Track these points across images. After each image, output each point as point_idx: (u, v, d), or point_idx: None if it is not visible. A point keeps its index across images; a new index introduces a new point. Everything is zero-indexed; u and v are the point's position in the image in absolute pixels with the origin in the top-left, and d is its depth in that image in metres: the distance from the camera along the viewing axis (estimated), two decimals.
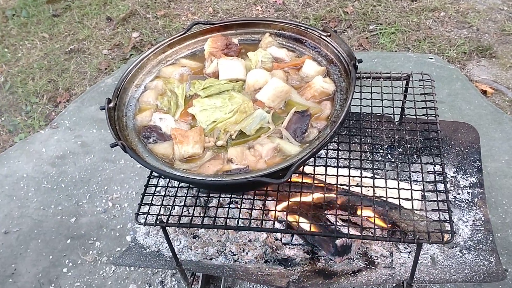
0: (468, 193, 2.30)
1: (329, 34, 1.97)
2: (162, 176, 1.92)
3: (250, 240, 2.25)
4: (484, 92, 3.80)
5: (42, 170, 3.33)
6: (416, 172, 1.81)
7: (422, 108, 2.06)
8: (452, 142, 2.35)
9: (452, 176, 2.34)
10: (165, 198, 2.19)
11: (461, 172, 2.38)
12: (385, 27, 4.42)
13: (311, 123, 1.74)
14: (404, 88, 2.23)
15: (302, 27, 2.11)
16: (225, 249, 2.23)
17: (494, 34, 4.25)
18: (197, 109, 1.80)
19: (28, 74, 4.22)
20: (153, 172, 1.83)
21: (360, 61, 1.86)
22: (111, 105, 1.81)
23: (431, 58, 4.08)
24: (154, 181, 1.97)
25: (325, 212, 1.91)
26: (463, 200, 2.28)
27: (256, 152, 1.69)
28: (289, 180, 1.59)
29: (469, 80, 3.85)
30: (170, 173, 1.67)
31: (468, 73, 3.97)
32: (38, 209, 3.06)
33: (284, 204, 2.00)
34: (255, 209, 1.99)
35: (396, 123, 2.13)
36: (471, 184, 2.31)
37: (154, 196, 1.89)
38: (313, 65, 1.94)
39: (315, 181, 1.93)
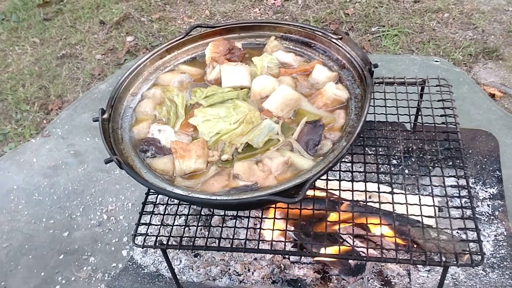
0: (488, 205, 2.15)
1: (340, 37, 1.86)
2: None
3: (255, 259, 2.09)
4: (493, 96, 3.67)
5: (33, 181, 3.20)
6: (439, 186, 1.66)
7: (441, 115, 1.90)
8: (470, 151, 2.20)
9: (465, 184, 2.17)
10: (165, 217, 2.03)
11: (480, 183, 2.24)
12: (388, 29, 4.29)
13: (324, 134, 1.63)
14: (419, 94, 2.07)
15: (310, 30, 1.99)
16: (229, 269, 2.07)
17: (500, 36, 4.13)
18: (199, 120, 1.70)
19: (18, 81, 4.11)
20: None
21: (376, 66, 1.73)
22: (105, 116, 1.70)
23: (436, 61, 3.94)
24: (152, 198, 1.81)
25: (341, 230, 1.75)
26: (483, 213, 2.14)
27: (265, 167, 1.57)
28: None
29: (476, 83, 3.72)
30: (171, 192, 1.53)
31: (475, 76, 3.85)
32: (29, 223, 2.93)
33: (296, 221, 1.84)
34: (264, 229, 1.82)
35: (413, 132, 1.97)
36: (491, 196, 2.17)
37: (153, 215, 1.72)
38: (323, 71, 1.82)
39: (328, 196, 1.77)
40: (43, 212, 3.07)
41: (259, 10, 4.70)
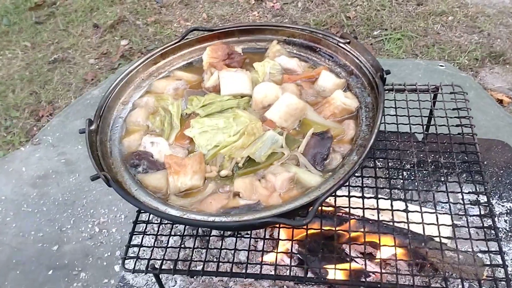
0: (505, 221, 2.01)
1: (348, 41, 1.75)
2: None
3: (257, 279, 1.93)
4: (500, 102, 3.55)
5: (22, 191, 3.13)
6: (457, 203, 1.51)
7: (457, 125, 1.77)
8: (485, 162, 2.06)
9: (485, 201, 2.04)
10: (158, 236, 1.88)
11: (496, 196, 2.10)
12: (391, 33, 4.18)
13: (333, 147, 1.52)
14: (432, 102, 1.94)
15: (315, 33, 1.87)
16: None
17: (506, 39, 4.02)
18: (196, 131, 1.60)
19: (8, 86, 4.00)
20: None
21: (388, 72, 1.62)
22: (93, 127, 1.59)
23: (441, 65, 3.82)
24: (145, 216, 1.68)
25: (351, 250, 1.60)
26: (501, 229, 1.99)
27: (268, 184, 1.46)
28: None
29: (483, 89, 3.60)
30: (164, 213, 1.40)
31: (481, 81, 3.73)
32: (17, 236, 2.87)
33: (301, 242, 1.69)
34: (267, 251, 1.67)
35: (426, 143, 1.83)
36: (508, 211, 2.02)
37: (145, 235, 1.58)
38: (330, 77, 1.73)
39: (337, 214, 1.63)
40: (31, 225, 2.96)
41: (258, 13, 4.59)
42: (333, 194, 1.42)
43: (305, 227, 1.61)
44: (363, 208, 1.60)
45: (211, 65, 1.81)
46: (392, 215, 1.56)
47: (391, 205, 1.59)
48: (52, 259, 2.72)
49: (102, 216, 2.95)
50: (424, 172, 2.08)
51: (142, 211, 1.70)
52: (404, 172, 2.14)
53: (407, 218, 1.55)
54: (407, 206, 1.57)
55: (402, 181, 1.69)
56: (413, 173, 1.95)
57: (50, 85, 4.04)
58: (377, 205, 1.59)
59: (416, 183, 1.63)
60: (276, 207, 1.36)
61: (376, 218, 1.57)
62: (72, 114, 3.75)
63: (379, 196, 1.60)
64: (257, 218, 1.31)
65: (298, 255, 1.80)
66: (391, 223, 1.53)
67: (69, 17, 4.83)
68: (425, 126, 1.91)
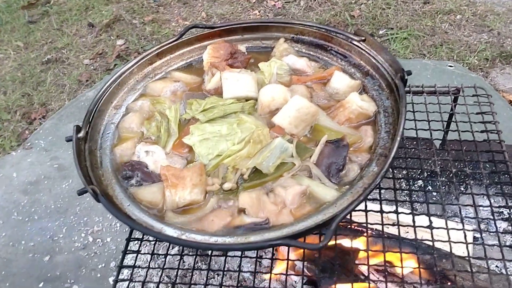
0: None
1: (363, 38, 1.63)
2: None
3: None
4: None
5: (12, 198, 3.05)
6: (486, 219, 1.36)
7: (482, 131, 1.61)
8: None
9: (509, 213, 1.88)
10: (153, 257, 1.73)
11: None
12: (397, 32, 4.04)
13: (349, 156, 1.41)
14: (453, 105, 1.80)
15: (327, 30, 1.74)
16: None
17: None
18: (196, 139, 1.49)
19: (0, 88, 3.95)
20: None
21: (409, 73, 1.48)
22: (81, 134, 1.49)
23: (450, 66, 3.71)
24: (139, 233, 1.56)
25: (369, 274, 1.45)
26: None
27: (277, 199, 1.33)
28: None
29: (494, 90, 3.48)
30: (159, 233, 1.25)
31: (492, 82, 3.61)
32: (7, 246, 2.78)
33: (313, 261, 1.54)
34: (275, 274, 1.51)
35: (449, 150, 1.67)
36: None
37: (139, 254, 1.42)
38: (344, 78, 1.61)
39: (354, 229, 1.48)
40: (22, 234, 2.86)
41: (259, 12, 4.46)
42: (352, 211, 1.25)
43: None
44: (382, 224, 1.44)
45: (213, 66, 1.70)
46: (415, 231, 1.41)
47: (413, 221, 1.43)
48: (43, 271, 2.63)
49: (96, 224, 2.87)
50: (448, 183, 1.93)
51: None
52: (426, 183, 1.98)
53: (432, 235, 1.39)
54: (431, 222, 1.42)
55: (424, 193, 1.52)
56: (436, 184, 1.79)
57: (43, 87, 3.97)
58: (398, 221, 1.43)
59: (440, 196, 1.47)
60: (287, 226, 1.23)
61: (396, 234, 1.43)
62: (66, 117, 3.68)
63: (399, 211, 1.44)
64: (266, 240, 1.18)
65: (309, 274, 1.64)
66: (414, 241, 1.36)
67: (63, 16, 4.76)
68: (445, 132, 1.80)
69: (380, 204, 1.50)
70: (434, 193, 1.87)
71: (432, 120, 1.74)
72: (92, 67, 4.17)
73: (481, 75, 3.69)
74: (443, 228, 1.42)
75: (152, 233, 1.25)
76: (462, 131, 1.71)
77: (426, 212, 1.46)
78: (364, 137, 1.46)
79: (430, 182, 2.00)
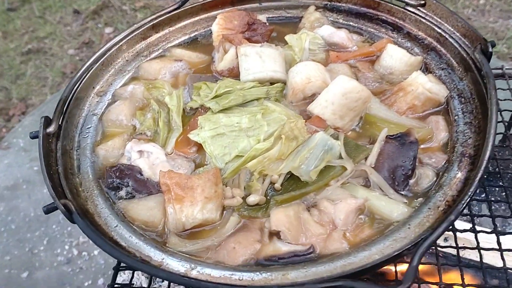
0: None
1: (422, 2, 1.40)
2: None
3: None
4: None
5: None
6: None
7: None
8: None
9: None
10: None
11: None
12: None
13: (419, 157, 1.16)
14: None
15: None
16: None
17: None
18: (207, 134, 1.25)
19: None
20: None
21: (493, 43, 1.19)
22: (51, 129, 1.25)
23: None
24: None
25: None
26: None
27: (323, 217, 1.07)
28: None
29: None
30: (159, 268, 0.98)
31: None
32: None
33: None
34: None
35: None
36: None
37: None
38: (401, 54, 1.36)
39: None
40: None
41: None
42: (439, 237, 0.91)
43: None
44: (478, 248, 1.14)
45: (226, 39, 1.48)
46: None
47: None
48: None
49: (82, 235, 2.68)
50: None
51: None
52: None
53: None
54: None
55: None
56: None
57: (22, 80, 3.85)
58: (499, 244, 1.13)
59: None
60: (341, 257, 0.98)
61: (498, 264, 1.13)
62: (48, 112, 3.58)
63: (500, 230, 1.17)
64: (317, 280, 0.90)
65: None
66: None
67: (46, 3, 4.64)
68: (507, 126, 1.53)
69: (472, 220, 1.20)
70: None
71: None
72: (77, 58, 4.05)
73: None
74: None
75: (148, 268, 0.96)
76: None
77: None
78: (435, 130, 1.19)
79: None
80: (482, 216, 1.24)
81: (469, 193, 0.94)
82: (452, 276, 1.21)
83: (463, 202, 0.92)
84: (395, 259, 0.91)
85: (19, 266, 2.55)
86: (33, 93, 3.67)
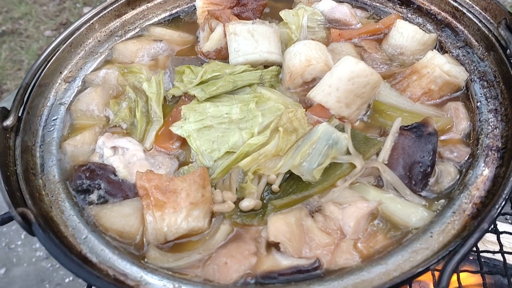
0: None
1: None
2: None
3: None
4: None
5: None
6: None
7: None
8: None
9: None
10: None
11: None
12: None
13: (439, 151, 1.02)
14: None
15: None
16: None
17: None
18: (192, 126, 1.12)
19: None
20: None
21: None
22: (9, 122, 1.12)
23: None
24: None
25: None
26: None
27: (329, 224, 0.94)
28: None
29: None
30: None
31: None
32: None
33: None
34: None
35: None
36: None
37: None
38: (412, 30, 1.25)
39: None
40: None
41: None
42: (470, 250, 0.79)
43: None
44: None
45: (212, 16, 1.36)
46: None
47: None
48: None
49: None
50: None
51: None
52: None
53: None
54: None
55: None
56: None
57: None
58: None
59: None
60: (352, 273, 0.88)
61: None
62: None
63: None
64: None
65: None
66: None
67: None
68: None
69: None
70: None
71: None
72: None
73: None
74: None
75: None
76: None
77: None
78: (455, 119, 1.06)
79: None
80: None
81: (503, 195, 0.81)
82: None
83: (497, 206, 0.80)
84: (417, 276, 0.78)
85: None
86: (8, 77, 3.55)
